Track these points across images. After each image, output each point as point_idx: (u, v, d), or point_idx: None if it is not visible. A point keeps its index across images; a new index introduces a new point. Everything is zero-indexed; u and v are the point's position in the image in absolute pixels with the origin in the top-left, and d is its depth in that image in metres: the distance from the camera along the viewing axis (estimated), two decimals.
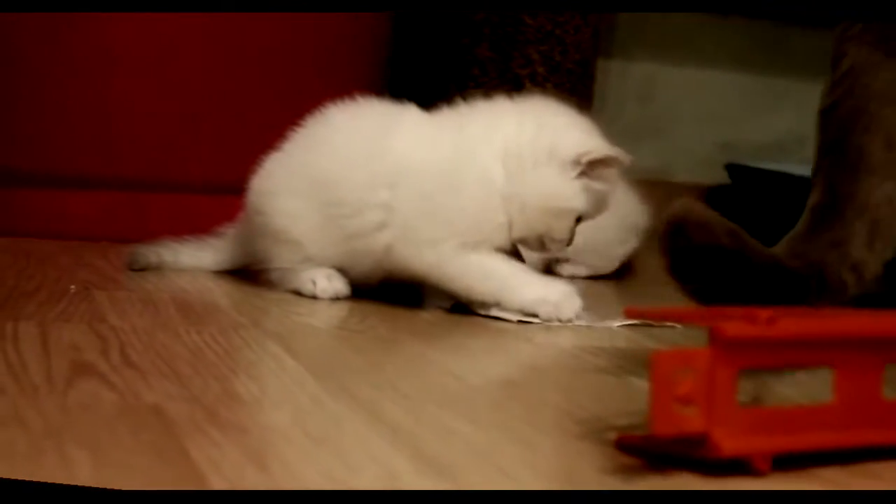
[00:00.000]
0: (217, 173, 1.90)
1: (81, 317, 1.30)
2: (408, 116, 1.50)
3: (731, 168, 2.57)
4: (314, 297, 1.50)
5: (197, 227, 1.65)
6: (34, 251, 1.74)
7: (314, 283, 1.50)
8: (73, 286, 1.48)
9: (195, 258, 1.64)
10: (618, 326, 1.41)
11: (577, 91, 2.28)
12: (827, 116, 1.33)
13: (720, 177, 2.60)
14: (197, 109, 1.91)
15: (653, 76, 2.68)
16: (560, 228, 1.41)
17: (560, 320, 1.40)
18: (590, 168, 1.39)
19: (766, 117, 2.69)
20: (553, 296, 1.41)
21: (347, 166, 1.46)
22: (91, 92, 1.90)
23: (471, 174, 1.41)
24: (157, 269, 1.62)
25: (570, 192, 1.39)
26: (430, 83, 2.25)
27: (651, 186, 2.02)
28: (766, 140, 2.67)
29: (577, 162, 1.39)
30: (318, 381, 1.08)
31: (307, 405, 1.00)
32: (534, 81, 2.25)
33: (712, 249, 1.22)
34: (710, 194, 2.60)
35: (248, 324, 1.34)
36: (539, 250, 1.44)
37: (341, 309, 1.47)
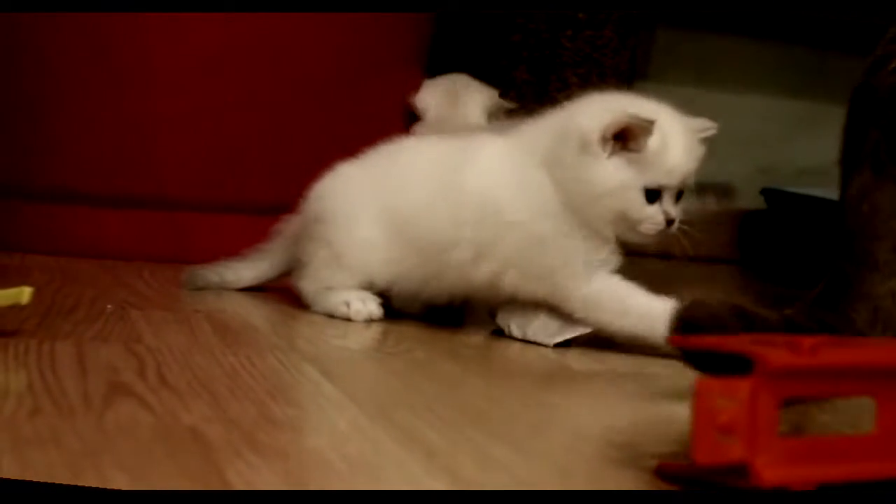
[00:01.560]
0: (257, 193, 1.90)
1: (118, 337, 1.30)
2: (481, 149, 1.48)
3: (768, 193, 2.56)
4: (347, 319, 1.49)
5: (236, 247, 1.65)
6: (71, 270, 1.75)
7: (348, 304, 1.49)
8: (109, 305, 1.48)
9: (256, 269, 1.63)
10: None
11: None
12: (838, 224, 1.33)
13: (757, 202, 2.59)
14: (237, 128, 1.91)
15: (690, 100, 2.66)
16: (630, 208, 1.36)
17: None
18: (621, 141, 1.35)
19: (803, 142, 2.68)
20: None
21: (427, 205, 1.45)
22: (131, 110, 1.90)
23: (528, 201, 1.39)
24: (218, 288, 1.62)
25: (610, 173, 1.36)
26: None
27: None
28: (803, 165, 2.66)
29: (603, 139, 1.35)
30: (356, 404, 1.07)
31: (345, 429, 0.99)
32: None
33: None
34: (746, 219, 2.59)
35: (284, 346, 1.34)
36: (640, 239, 1.39)
37: (377, 331, 1.47)
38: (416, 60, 2.11)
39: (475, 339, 1.46)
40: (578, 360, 1.37)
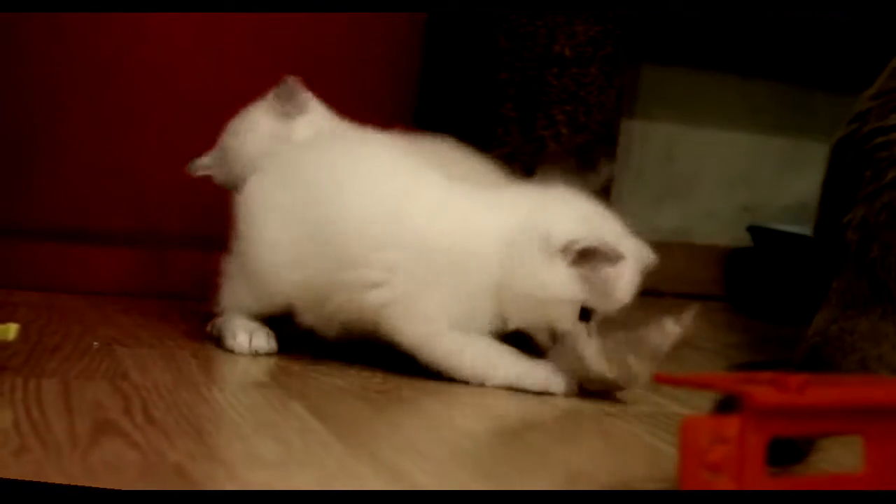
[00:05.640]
0: None
1: (104, 374, 1.30)
2: (432, 181, 1.46)
3: (754, 230, 2.57)
4: (231, 351, 1.48)
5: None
6: (57, 306, 1.74)
7: (234, 336, 1.48)
8: (95, 342, 1.47)
9: None
10: None
11: (600, 152, 2.28)
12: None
13: (743, 239, 2.60)
14: None
15: (675, 137, 2.68)
16: (559, 319, 1.37)
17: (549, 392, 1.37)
18: (581, 257, 1.35)
19: (789, 179, 2.69)
20: (536, 372, 1.37)
21: (361, 218, 1.42)
22: (118, 147, 1.90)
23: (470, 259, 1.38)
24: None
25: (560, 281, 1.35)
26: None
27: (673, 248, 2.01)
28: (789, 202, 2.67)
29: (566, 250, 1.34)
30: (342, 442, 1.07)
31: (331, 467, 0.99)
32: (557, 142, 2.25)
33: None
34: (731, 257, 2.59)
35: (270, 382, 1.34)
36: (549, 345, 1.39)
37: (364, 369, 1.46)
38: (404, 98, 2.11)
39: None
40: (563, 399, 1.36)
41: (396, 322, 1.40)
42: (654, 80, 2.64)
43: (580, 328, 1.37)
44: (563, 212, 1.38)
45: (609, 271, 1.36)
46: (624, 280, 1.38)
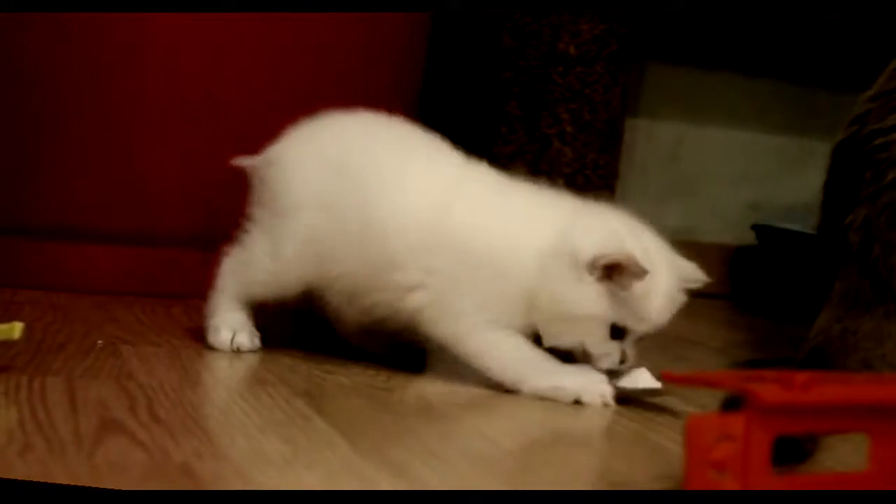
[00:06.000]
0: None
1: (109, 373, 1.30)
2: (476, 178, 1.44)
3: (759, 229, 2.57)
4: (212, 348, 1.46)
5: None
6: (62, 305, 1.74)
7: (217, 332, 1.47)
8: (100, 341, 1.47)
9: None
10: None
11: (605, 151, 2.28)
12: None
13: (748, 237, 2.60)
14: (229, 165, 1.91)
15: (680, 136, 2.68)
16: (590, 337, 1.34)
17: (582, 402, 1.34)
18: (608, 272, 1.31)
19: (793, 178, 2.69)
20: (571, 384, 1.34)
21: (406, 220, 1.39)
22: (123, 146, 1.90)
23: (509, 267, 1.35)
24: None
25: (586, 297, 1.32)
26: (457, 140, 2.25)
27: (678, 247, 2.01)
28: (793, 201, 2.67)
29: (592, 265, 1.31)
30: (348, 441, 1.07)
31: (337, 466, 0.99)
32: (562, 141, 2.25)
33: None
34: (737, 255, 2.59)
35: (275, 381, 1.33)
36: (585, 361, 1.36)
37: (367, 366, 1.46)
38: (409, 97, 2.11)
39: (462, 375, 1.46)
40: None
41: (431, 319, 1.38)
42: (660, 78, 2.64)
43: (612, 347, 1.34)
44: (595, 226, 1.34)
45: (638, 288, 1.31)
46: (656, 299, 1.33)
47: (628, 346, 1.35)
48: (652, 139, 2.65)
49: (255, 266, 1.47)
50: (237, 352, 1.47)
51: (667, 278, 1.34)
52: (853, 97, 1.48)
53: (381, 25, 1.99)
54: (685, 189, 2.67)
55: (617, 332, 1.34)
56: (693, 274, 1.38)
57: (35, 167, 1.93)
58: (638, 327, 1.33)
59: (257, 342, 1.49)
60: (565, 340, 1.35)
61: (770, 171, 2.72)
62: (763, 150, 2.72)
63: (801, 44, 2.65)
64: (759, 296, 2.50)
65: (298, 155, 1.49)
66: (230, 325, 1.48)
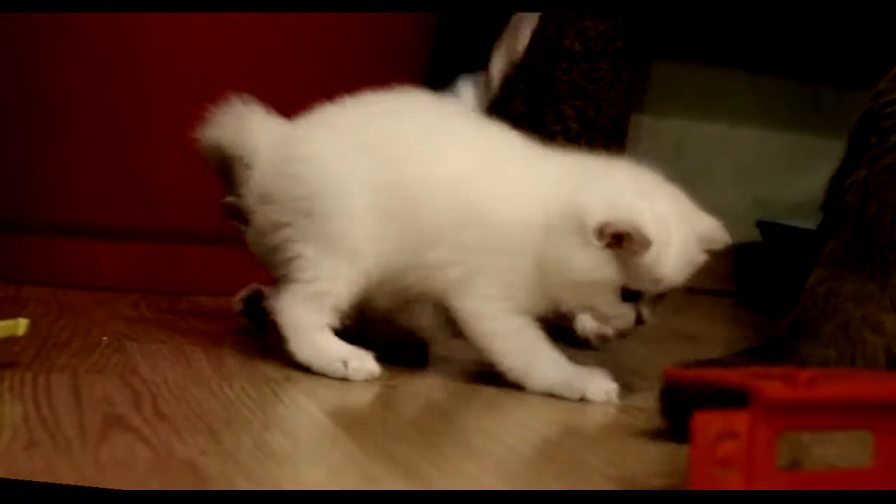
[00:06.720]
0: None
1: (114, 369, 1.30)
2: (513, 154, 1.40)
3: (763, 226, 2.56)
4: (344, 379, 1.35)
5: (232, 279, 1.65)
6: (66, 302, 1.74)
7: (345, 364, 1.35)
8: (105, 337, 1.47)
9: None
10: None
11: (610, 147, 2.28)
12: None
13: (752, 234, 2.59)
14: None
15: (685, 132, 2.68)
16: (600, 302, 1.33)
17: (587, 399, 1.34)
18: (616, 240, 1.29)
19: (798, 175, 2.69)
20: (577, 381, 1.34)
21: (443, 197, 1.36)
22: (127, 142, 1.91)
23: (526, 234, 1.33)
24: None
25: (593, 263, 1.30)
26: None
27: None
28: (798, 198, 2.66)
29: (599, 232, 1.29)
30: (352, 438, 1.07)
31: (341, 463, 0.99)
32: (567, 138, 2.25)
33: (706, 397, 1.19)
34: (741, 252, 2.59)
35: (279, 378, 1.33)
36: (601, 322, 1.37)
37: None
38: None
39: (469, 371, 1.45)
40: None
41: (458, 291, 1.36)
42: (664, 75, 2.64)
43: (625, 308, 1.33)
44: (604, 191, 1.32)
45: (648, 254, 1.29)
46: (668, 262, 1.31)
47: (644, 305, 1.33)
48: (656, 136, 2.65)
49: (334, 286, 1.38)
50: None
51: (681, 240, 1.33)
52: (858, 94, 1.48)
53: (385, 22, 1.99)
54: (690, 185, 2.65)
55: (631, 295, 1.32)
56: (715, 232, 1.38)
57: (39, 164, 1.93)
58: (652, 289, 1.32)
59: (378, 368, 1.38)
60: (578, 305, 1.35)
61: (775, 168, 2.72)
62: (768, 147, 2.72)
63: (806, 40, 2.64)
64: (765, 293, 2.49)
65: (328, 145, 1.42)
66: (349, 352, 1.36)
